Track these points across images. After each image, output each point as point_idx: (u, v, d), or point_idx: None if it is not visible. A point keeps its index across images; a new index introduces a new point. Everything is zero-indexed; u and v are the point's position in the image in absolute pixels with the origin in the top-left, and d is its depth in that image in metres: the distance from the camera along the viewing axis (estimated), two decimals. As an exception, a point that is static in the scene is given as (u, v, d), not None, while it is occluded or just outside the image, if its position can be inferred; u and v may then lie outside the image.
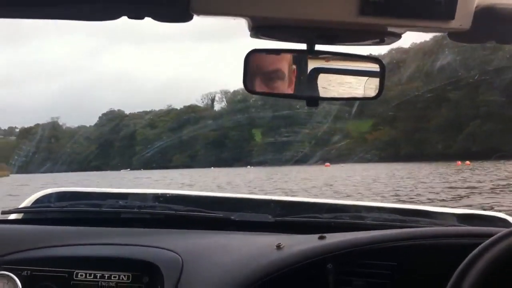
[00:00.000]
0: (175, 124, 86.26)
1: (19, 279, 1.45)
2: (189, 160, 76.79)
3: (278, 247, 1.41)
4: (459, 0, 0.84)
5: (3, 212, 1.92)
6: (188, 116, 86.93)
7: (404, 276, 1.33)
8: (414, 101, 66.69)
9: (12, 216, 1.94)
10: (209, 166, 65.75)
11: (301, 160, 72.48)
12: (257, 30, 0.93)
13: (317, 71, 1.05)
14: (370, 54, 1.10)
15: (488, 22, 0.90)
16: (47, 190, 2.14)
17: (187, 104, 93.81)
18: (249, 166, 66.99)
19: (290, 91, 1.05)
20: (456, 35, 0.94)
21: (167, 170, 66.13)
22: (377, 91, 1.08)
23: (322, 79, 1.06)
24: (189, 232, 1.71)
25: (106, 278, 1.49)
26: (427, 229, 1.52)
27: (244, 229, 1.76)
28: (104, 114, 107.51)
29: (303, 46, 1.00)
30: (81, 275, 1.49)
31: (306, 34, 0.96)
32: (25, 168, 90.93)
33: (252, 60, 1.03)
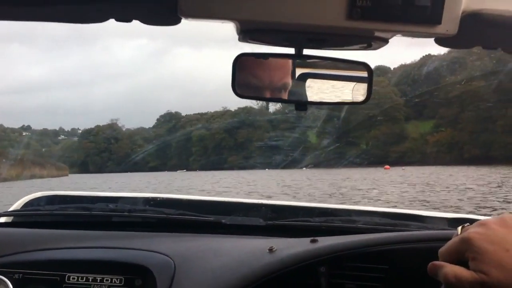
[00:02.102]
0: (230, 126, 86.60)
1: (11, 282, 1.44)
2: (244, 161, 76.68)
3: (270, 250, 1.41)
4: (446, 5, 0.86)
5: None
6: (243, 118, 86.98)
7: (395, 279, 1.35)
8: (478, 100, 63.54)
9: (2, 219, 1.93)
10: (264, 168, 65.29)
11: (357, 163, 70.82)
12: (245, 34, 0.95)
13: (306, 75, 1.06)
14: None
15: (474, 27, 0.92)
16: (37, 194, 2.12)
17: (242, 106, 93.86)
18: (304, 168, 66.05)
19: (278, 95, 1.06)
20: (442, 40, 0.96)
21: (221, 171, 66.17)
22: (365, 96, 1.09)
23: (311, 83, 1.07)
24: (181, 236, 1.70)
25: (98, 281, 1.48)
26: (418, 232, 1.53)
27: (235, 233, 1.75)
28: (161, 116, 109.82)
29: (291, 50, 1.02)
30: (73, 278, 1.48)
31: (295, 38, 0.97)
32: (85, 168, 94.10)
33: (241, 64, 1.04)
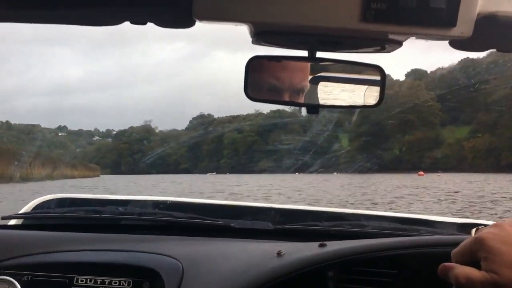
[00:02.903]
0: (262, 129, 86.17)
1: (19, 284, 1.46)
2: (274, 165, 76.02)
3: (279, 254, 1.42)
4: (461, 8, 0.85)
5: (3, 218, 1.92)
6: (275, 121, 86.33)
7: (404, 284, 1.35)
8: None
9: (12, 222, 1.95)
10: (293, 172, 64.54)
11: (390, 169, 69.30)
12: (259, 36, 0.94)
13: (318, 78, 1.06)
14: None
15: (489, 30, 0.91)
16: (47, 196, 2.13)
17: (274, 109, 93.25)
18: (335, 173, 64.99)
19: (291, 98, 1.06)
20: (457, 43, 0.95)
21: (252, 174, 65.78)
22: (377, 99, 1.08)
23: (323, 86, 1.06)
24: (189, 239, 1.72)
25: (106, 283, 1.49)
26: (427, 237, 1.54)
27: (244, 237, 1.77)
28: (194, 118, 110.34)
29: (304, 53, 1.01)
30: (82, 281, 1.49)
31: (308, 41, 0.97)
32: (118, 169, 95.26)
33: (254, 67, 1.03)
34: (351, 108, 1.10)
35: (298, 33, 0.92)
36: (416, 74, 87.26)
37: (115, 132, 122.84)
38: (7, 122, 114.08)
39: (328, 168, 67.56)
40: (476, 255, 0.85)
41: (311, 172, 60.33)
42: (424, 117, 75.72)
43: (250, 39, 0.95)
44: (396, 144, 77.40)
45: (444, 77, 79.24)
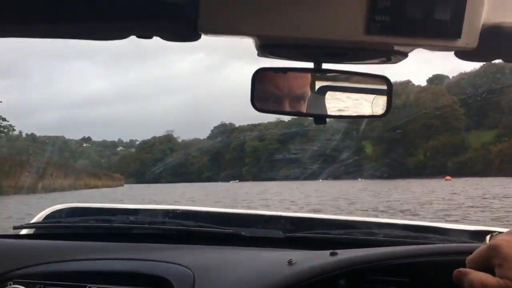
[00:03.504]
0: (283, 137, 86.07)
1: None
2: (297, 172, 75.85)
3: (290, 263, 1.41)
4: (466, 19, 0.84)
5: (15, 228, 1.93)
6: (296, 129, 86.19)
7: None
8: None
9: (24, 231, 1.97)
10: (317, 179, 64.22)
11: (416, 174, 68.51)
12: (264, 49, 0.94)
13: (325, 89, 1.06)
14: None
15: (494, 41, 0.91)
16: (58, 206, 2.15)
17: (295, 116, 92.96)
18: (359, 179, 64.50)
19: (297, 109, 1.06)
20: (462, 54, 0.95)
21: (274, 182, 65.72)
22: (384, 109, 1.08)
23: (330, 97, 1.07)
24: (200, 248, 1.72)
25: None
26: (440, 245, 1.51)
27: (254, 245, 1.76)
28: (215, 127, 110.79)
29: (310, 65, 1.01)
30: None
31: (313, 53, 0.97)
32: (142, 178, 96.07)
33: (260, 79, 1.04)
34: (358, 118, 1.10)
35: (304, 45, 0.92)
36: (438, 79, 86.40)
37: (138, 142, 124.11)
38: (32, 134, 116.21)
39: (351, 174, 67.11)
40: (490, 262, 0.85)
41: (336, 179, 60.02)
42: (447, 122, 74.84)
43: (256, 52, 0.96)
44: (420, 149, 76.59)
45: (467, 82, 78.35)
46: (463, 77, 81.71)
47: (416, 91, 77.97)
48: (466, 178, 52.78)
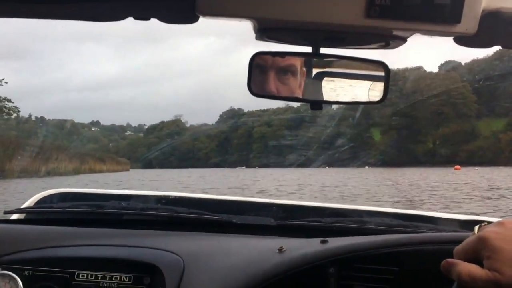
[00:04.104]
0: (292, 122, 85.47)
1: (20, 278, 1.47)
2: (304, 159, 75.36)
3: (280, 250, 1.43)
4: (465, 4, 0.85)
5: (5, 212, 1.93)
6: (305, 115, 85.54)
7: (405, 281, 1.35)
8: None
9: (14, 216, 1.96)
10: (323, 166, 63.71)
11: (423, 162, 67.77)
12: (262, 32, 0.94)
13: (322, 74, 1.06)
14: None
15: (494, 27, 0.91)
16: (50, 191, 2.13)
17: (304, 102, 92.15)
18: (367, 167, 63.96)
19: (294, 94, 1.06)
20: (462, 39, 0.94)
21: (280, 168, 65.32)
22: (381, 95, 1.08)
23: (327, 82, 1.07)
24: (191, 235, 1.73)
25: (107, 279, 1.50)
26: (429, 234, 1.54)
27: (246, 232, 1.78)
28: (224, 113, 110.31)
29: (308, 49, 1.01)
30: (82, 276, 1.50)
31: (312, 37, 0.97)
32: (149, 163, 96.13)
33: (257, 63, 1.03)
34: (355, 104, 1.09)
35: (302, 29, 0.91)
36: (450, 66, 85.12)
37: (146, 127, 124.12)
38: (41, 117, 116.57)
39: (358, 161, 66.53)
40: (479, 253, 0.85)
41: (341, 166, 59.47)
42: (458, 109, 73.89)
43: (254, 35, 0.95)
44: (429, 137, 75.75)
45: (479, 69, 77.07)
46: (475, 64, 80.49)
47: (427, 77, 76.85)
48: (476, 168, 52.04)
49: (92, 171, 46.39)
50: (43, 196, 2.11)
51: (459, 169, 50.82)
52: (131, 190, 2.32)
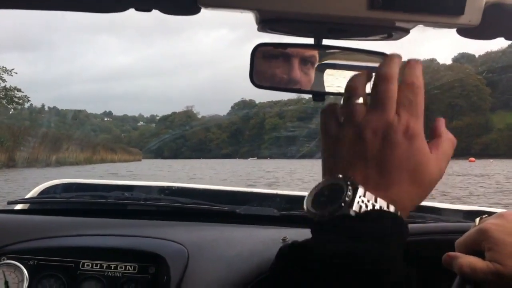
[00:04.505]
0: (304, 114, 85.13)
1: (25, 268, 1.48)
2: (316, 149, 75.08)
3: (284, 240, 1.45)
4: None
5: (9, 202, 1.94)
6: (317, 106, 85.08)
7: None
8: None
9: (18, 206, 1.99)
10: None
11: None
12: (264, 24, 0.94)
13: (324, 65, 1.05)
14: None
15: (497, 18, 0.91)
16: (53, 181, 2.15)
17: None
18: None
19: (296, 85, 1.05)
20: (465, 31, 0.95)
21: (292, 160, 65.10)
22: None
23: (329, 73, 1.06)
24: (195, 225, 1.74)
25: (112, 268, 1.51)
26: (434, 224, 1.56)
27: (249, 223, 1.79)
28: (236, 104, 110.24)
29: (310, 41, 1.01)
30: (88, 265, 1.51)
31: (314, 28, 0.96)
32: (160, 153, 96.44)
33: (259, 54, 1.04)
34: None
35: (305, 20, 0.91)
36: (464, 58, 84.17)
37: (158, 118, 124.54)
38: (54, 107, 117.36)
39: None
40: (480, 245, 0.85)
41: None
42: (473, 102, 73.10)
43: (256, 26, 0.94)
44: (443, 129, 75.07)
45: (493, 61, 76.06)
46: (490, 56, 79.44)
47: (440, 69, 76.01)
48: (491, 160, 51.47)
49: (103, 161, 46.36)
50: (47, 186, 2.14)
51: (473, 161, 50.27)
52: (135, 181, 2.35)
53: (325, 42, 1.00)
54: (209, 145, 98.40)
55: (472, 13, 0.85)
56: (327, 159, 0.68)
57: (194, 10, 0.91)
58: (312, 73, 1.04)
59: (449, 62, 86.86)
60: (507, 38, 1.01)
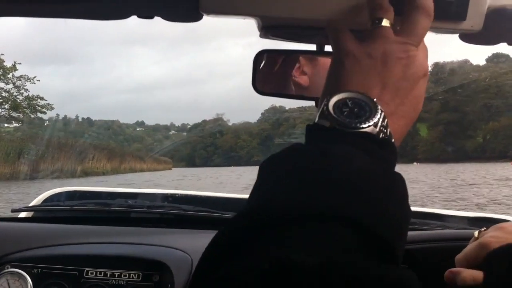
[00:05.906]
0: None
1: (29, 276, 1.48)
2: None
3: None
4: (471, 1, 0.84)
5: (13, 210, 1.95)
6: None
7: None
8: None
9: (22, 214, 1.99)
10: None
11: (473, 158, 65.11)
12: (266, 30, 0.93)
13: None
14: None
15: (499, 23, 0.91)
16: (57, 189, 2.17)
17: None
18: (415, 163, 61.98)
19: (299, 92, 1.05)
20: (467, 37, 0.94)
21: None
22: None
23: None
24: (198, 232, 1.75)
25: (116, 276, 1.51)
26: (439, 231, 1.56)
27: None
28: (266, 111, 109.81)
29: (313, 47, 1.00)
30: (91, 273, 1.51)
31: (317, 35, 0.95)
32: (192, 161, 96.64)
33: (262, 61, 1.04)
34: None
35: (307, 27, 0.90)
36: (498, 58, 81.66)
37: (189, 126, 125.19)
38: (88, 118, 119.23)
39: (404, 157, 64.61)
40: (480, 259, 0.85)
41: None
42: (509, 102, 70.55)
43: (258, 32, 0.94)
44: (479, 131, 72.80)
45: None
46: (527, 54, 76.79)
47: (475, 70, 73.93)
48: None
49: (132, 170, 46.33)
50: (51, 194, 2.14)
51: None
52: (138, 189, 2.33)
53: (328, 48, 0.98)
54: (239, 152, 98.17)
55: (474, 19, 0.86)
56: (341, 72, 0.66)
57: (196, 17, 0.91)
58: (315, 80, 1.03)
59: (483, 63, 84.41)
60: (510, 43, 1.01)
